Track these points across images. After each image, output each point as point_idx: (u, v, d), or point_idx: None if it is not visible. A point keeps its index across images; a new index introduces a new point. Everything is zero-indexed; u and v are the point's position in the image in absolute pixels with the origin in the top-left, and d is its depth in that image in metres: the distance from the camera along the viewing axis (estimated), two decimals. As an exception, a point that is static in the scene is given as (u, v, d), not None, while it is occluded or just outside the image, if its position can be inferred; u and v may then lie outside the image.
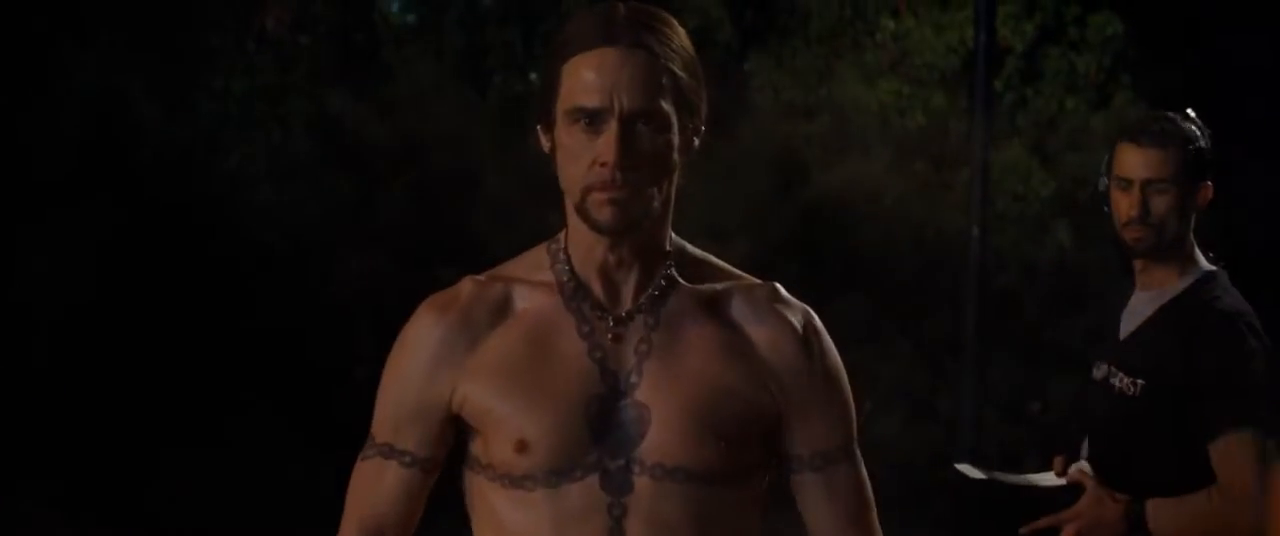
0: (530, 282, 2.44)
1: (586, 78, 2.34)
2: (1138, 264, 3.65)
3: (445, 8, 9.62)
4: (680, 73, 2.36)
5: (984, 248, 7.38)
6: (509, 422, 2.36)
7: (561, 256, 2.44)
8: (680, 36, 2.38)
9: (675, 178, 2.40)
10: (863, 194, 8.87)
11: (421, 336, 2.43)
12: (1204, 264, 3.63)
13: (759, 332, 2.43)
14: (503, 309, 2.44)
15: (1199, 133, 3.61)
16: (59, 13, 8.03)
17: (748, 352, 2.41)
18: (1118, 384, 3.59)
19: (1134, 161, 3.58)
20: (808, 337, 2.43)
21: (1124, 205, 3.59)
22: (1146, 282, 3.64)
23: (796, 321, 2.44)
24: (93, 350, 7.74)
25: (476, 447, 2.42)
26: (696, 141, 2.41)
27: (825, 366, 2.45)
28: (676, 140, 2.36)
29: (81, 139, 7.90)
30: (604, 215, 2.33)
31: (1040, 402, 8.68)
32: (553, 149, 2.38)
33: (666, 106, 2.34)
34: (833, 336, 2.46)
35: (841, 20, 9.46)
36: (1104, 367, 3.66)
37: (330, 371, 8.05)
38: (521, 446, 2.35)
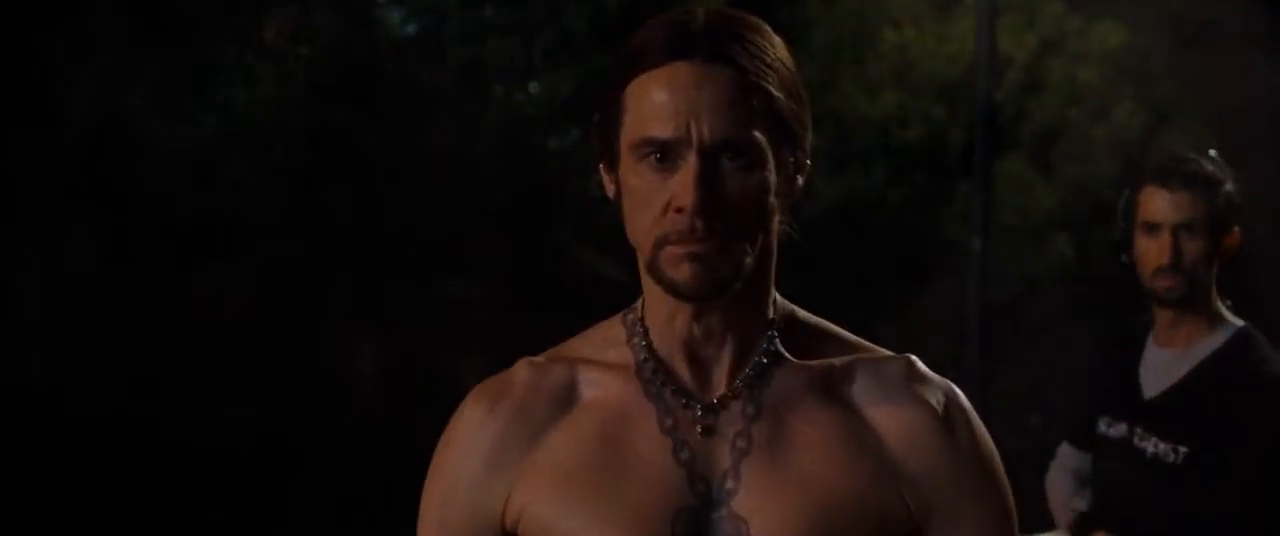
0: (600, 364, 1.96)
1: (656, 101, 1.84)
2: (1160, 317, 3.43)
3: (446, 18, 9.61)
4: (777, 93, 1.88)
5: (985, 259, 7.32)
6: None
7: (639, 329, 1.94)
8: (776, 47, 1.90)
9: (775, 226, 1.91)
10: (864, 205, 8.89)
11: (471, 434, 1.95)
12: (1232, 318, 3.43)
13: (890, 420, 1.92)
14: (567, 398, 1.95)
15: (1226, 175, 3.49)
16: (59, 25, 8.02)
17: (875, 446, 1.90)
18: (1151, 448, 3.40)
19: (1163, 205, 3.37)
20: (952, 424, 1.92)
21: (1153, 252, 3.38)
22: (1170, 339, 3.44)
23: (937, 403, 1.93)
24: (91, 361, 7.73)
25: None
26: (801, 180, 1.94)
27: (977, 458, 1.93)
28: (773, 179, 1.87)
29: (81, 151, 7.89)
30: (682, 274, 1.84)
31: (1041, 416, 8.66)
32: (618, 193, 1.89)
33: (759, 135, 1.86)
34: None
35: (843, 32, 9.45)
36: (1122, 427, 3.48)
37: (333, 385, 8.04)
38: None
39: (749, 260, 1.87)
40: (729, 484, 1.87)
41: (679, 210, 1.83)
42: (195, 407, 7.73)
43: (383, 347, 8.14)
